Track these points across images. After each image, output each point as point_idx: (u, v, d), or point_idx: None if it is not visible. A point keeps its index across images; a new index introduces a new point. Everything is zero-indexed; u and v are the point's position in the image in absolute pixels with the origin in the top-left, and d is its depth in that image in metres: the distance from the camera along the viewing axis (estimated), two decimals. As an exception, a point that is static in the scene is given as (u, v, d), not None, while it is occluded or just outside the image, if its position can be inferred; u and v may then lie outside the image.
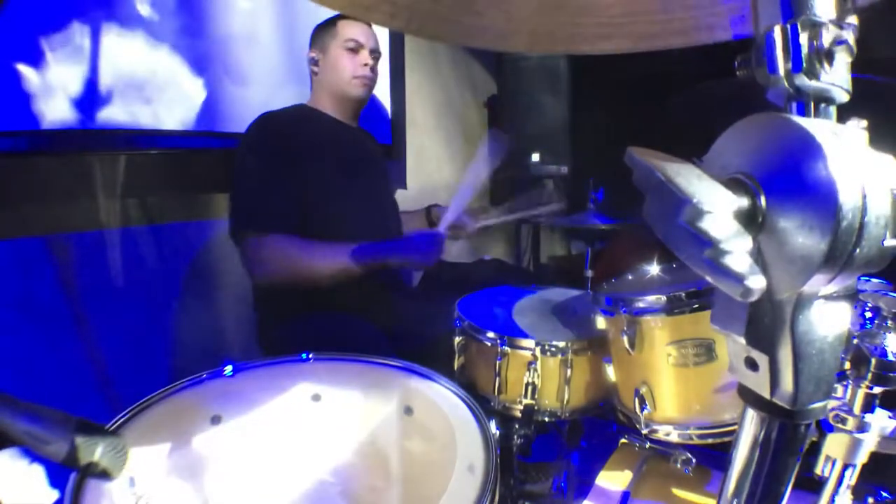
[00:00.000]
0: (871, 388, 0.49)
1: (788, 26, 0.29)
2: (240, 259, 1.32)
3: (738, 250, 0.26)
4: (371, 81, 1.47)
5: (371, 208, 1.48)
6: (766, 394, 0.31)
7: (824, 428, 0.51)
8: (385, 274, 1.43)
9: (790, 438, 0.32)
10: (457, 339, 1.07)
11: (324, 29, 1.46)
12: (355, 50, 1.42)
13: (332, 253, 1.26)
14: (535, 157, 2.18)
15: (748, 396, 0.32)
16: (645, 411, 0.85)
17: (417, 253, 1.28)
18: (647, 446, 0.89)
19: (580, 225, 1.72)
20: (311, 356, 0.86)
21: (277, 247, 1.25)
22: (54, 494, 1.13)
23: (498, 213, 1.61)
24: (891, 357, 0.47)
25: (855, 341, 0.49)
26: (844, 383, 0.50)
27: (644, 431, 0.86)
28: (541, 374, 0.96)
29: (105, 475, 0.48)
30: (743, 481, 0.34)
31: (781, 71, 0.29)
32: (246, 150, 1.34)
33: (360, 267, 1.25)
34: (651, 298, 0.83)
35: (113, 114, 1.33)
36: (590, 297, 1.07)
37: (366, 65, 1.43)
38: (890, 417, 0.49)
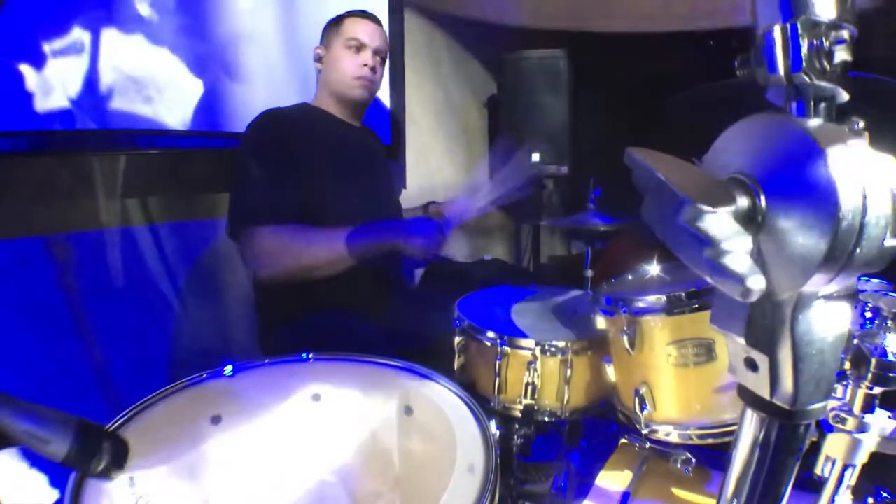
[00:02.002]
0: (871, 389, 0.49)
1: (788, 26, 0.29)
2: (240, 257, 1.30)
3: (737, 250, 0.26)
4: (371, 83, 1.44)
5: (373, 208, 1.46)
6: (765, 394, 0.30)
7: (824, 428, 0.51)
8: (385, 273, 1.43)
9: (790, 439, 0.32)
10: (457, 339, 1.07)
11: (331, 25, 1.44)
12: (357, 49, 1.40)
13: (329, 237, 1.22)
14: (535, 157, 2.18)
15: (748, 397, 0.32)
16: (645, 411, 0.85)
17: (419, 236, 1.20)
18: (647, 446, 0.89)
19: (580, 225, 1.71)
20: (311, 356, 0.86)
21: (275, 237, 1.22)
22: (54, 494, 1.13)
23: (486, 193, 1.55)
24: (891, 357, 0.47)
25: (855, 341, 0.49)
26: (844, 383, 0.50)
27: (644, 431, 0.86)
28: (541, 374, 0.96)
29: (105, 475, 0.48)
30: (743, 481, 0.34)
31: (781, 70, 0.29)
32: (246, 146, 1.33)
33: (359, 250, 1.20)
34: (651, 298, 0.83)
35: (113, 114, 1.33)
36: (590, 297, 1.07)
37: (366, 65, 1.40)
38: (890, 418, 0.49)
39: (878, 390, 0.49)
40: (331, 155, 1.38)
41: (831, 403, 0.50)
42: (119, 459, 0.49)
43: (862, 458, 0.50)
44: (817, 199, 0.25)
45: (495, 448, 0.65)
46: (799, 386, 0.29)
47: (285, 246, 1.22)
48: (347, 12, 1.44)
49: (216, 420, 0.74)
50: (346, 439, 0.77)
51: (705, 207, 0.26)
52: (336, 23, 1.43)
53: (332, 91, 1.44)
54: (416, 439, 0.76)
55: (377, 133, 1.67)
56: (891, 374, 0.47)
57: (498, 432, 0.70)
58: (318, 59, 1.46)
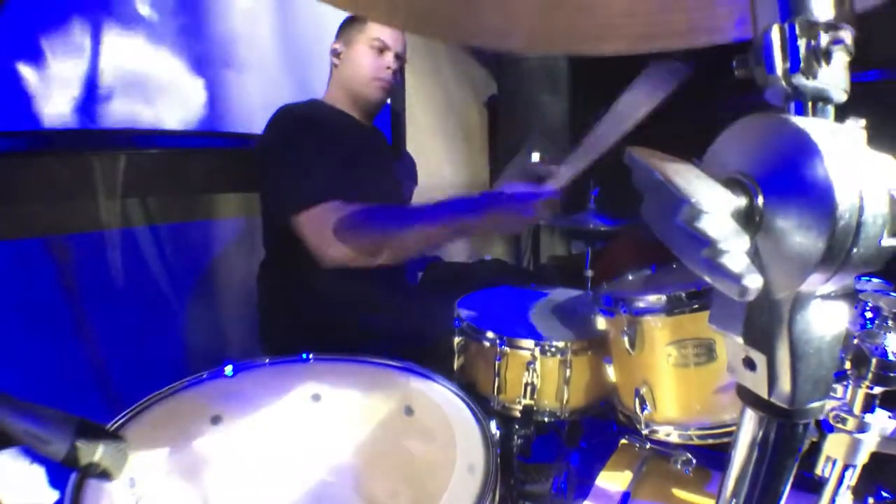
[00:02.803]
0: (871, 388, 0.48)
1: (786, 26, 0.29)
2: (309, 245, 1.17)
3: (735, 250, 0.26)
4: (391, 86, 1.43)
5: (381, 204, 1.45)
6: (764, 393, 0.30)
7: (824, 428, 0.51)
8: (386, 273, 1.43)
9: (789, 438, 0.32)
10: (456, 339, 1.07)
11: (353, 22, 1.41)
12: (381, 50, 1.37)
13: (417, 215, 1.13)
14: (535, 157, 2.18)
15: (747, 396, 0.32)
16: (645, 411, 0.85)
17: (514, 205, 1.07)
18: (648, 447, 0.89)
19: (580, 225, 1.71)
20: (311, 356, 0.86)
21: (351, 212, 1.13)
22: (54, 494, 1.14)
23: (570, 163, 1.33)
24: (891, 357, 0.47)
25: (855, 341, 0.49)
26: (844, 383, 0.49)
27: (644, 432, 0.86)
28: (540, 374, 0.96)
29: (105, 475, 0.48)
30: (742, 481, 0.34)
31: (779, 70, 0.29)
32: (276, 136, 1.29)
33: (453, 227, 1.10)
34: (651, 298, 0.83)
35: (113, 113, 1.33)
36: (590, 297, 1.07)
37: (388, 68, 1.39)
38: (890, 417, 0.49)
39: (878, 390, 0.48)
40: (343, 153, 1.37)
41: (831, 403, 0.50)
42: (119, 460, 0.48)
43: (862, 458, 0.50)
44: (815, 198, 0.25)
45: (495, 448, 0.65)
46: (797, 385, 0.29)
47: (363, 222, 1.12)
48: None
49: (216, 420, 0.74)
50: (345, 439, 0.77)
51: (703, 207, 0.26)
52: (358, 20, 1.39)
53: (348, 89, 1.43)
54: (416, 439, 0.76)
55: (378, 133, 1.67)
56: (891, 374, 0.47)
57: (498, 432, 0.70)
58: (336, 54, 1.43)
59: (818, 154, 0.25)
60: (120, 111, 1.34)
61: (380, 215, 1.16)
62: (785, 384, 0.29)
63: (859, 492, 0.56)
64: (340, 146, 1.35)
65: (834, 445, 0.50)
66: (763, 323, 0.29)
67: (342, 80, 1.43)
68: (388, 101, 2.10)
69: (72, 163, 1.29)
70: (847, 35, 0.28)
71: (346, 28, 1.42)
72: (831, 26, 0.28)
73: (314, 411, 0.80)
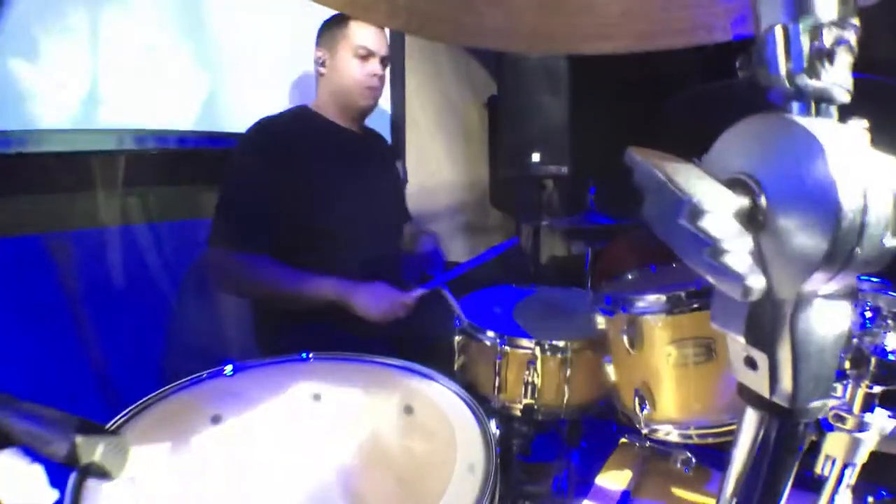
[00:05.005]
0: (870, 388, 0.49)
1: (789, 26, 0.29)
2: (207, 266, 1.35)
3: (738, 250, 0.26)
4: (379, 92, 1.41)
5: (373, 214, 1.44)
6: (765, 393, 0.31)
7: (824, 427, 0.51)
8: (385, 273, 1.43)
9: (789, 437, 0.32)
10: (457, 339, 1.07)
11: (333, 27, 1.36)
12: (365, 57, 1.34)
13: (295, 282, 1.25)
14: (535, 157, 2.18)
15: (748, 395, 0.32)
16: (645, 411, 0.85)
17: (371, 302, 1.24)
18: (647, 446, 0.89)
19: (580, 225, 1.72)
20: (311, 356, 0.86)
21: (240, 265, 1.25)
22: (54, 494, 1.13)
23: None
24: (890, 357, 0.47)
25: (855, 341, 0.49)
26: (844, 383, 0.50)
27: (644, 431, 0.86)
28: (540, 373, 0.96)
29: (105, 475, 0.48)
30: (742, 480, 0.34)
31: (782, 71, 0.29)
32: (238, 161, 1.30)
33: (311, 299, 1.25)
34: (651, 298, 0.84)
35: (113, 113, 1.33)
36: (590, 297, 1.07)
37: (374, 74, 1.36)
38: (889, 417, 0.49)
39: (877, 389, 0.49)
40: (328, 162, 1.35)
41: (831, 402, 0.50)
42: (119, 460, 0.48)
43: (862, 457, 0.50)
44: (818, 199, 0.25)
45: (495, 448, 0.65)
46: (799, 384, 0.29)
47: (248, 277, 1.26)
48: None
49: (216, 420, 0.74)
50: (346, 439, 0.77)
51: (706, 207, 0.26)
52: (339, 26, 1.35)
53: (337, 98, 1.40)
54: (417, 439, 0.76)
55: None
56: (890, 374, 0.48)
57: (498, 431, 0.70)
58: (321, 62, 1.39)
59: (822, 154, 0.25)
60: (120, 111, 1.34)
61: (267, 277, 1.27)
62: (787, 384, 0.29)
63: (859, 491, 0.56)
64: (319, 160, 1.34)
65: (833, 444, 0.50)
66: (765, 322, 0.29)
67: (329, 89, 1.40)
68: (389, 102, 2.11)
69: (71, 162, 1.29)
70: (850, 35, 0.28)
71: (327, 34, 1.37)
72: (835, 26, 0.28)
73: (314, 411, 0.79)
